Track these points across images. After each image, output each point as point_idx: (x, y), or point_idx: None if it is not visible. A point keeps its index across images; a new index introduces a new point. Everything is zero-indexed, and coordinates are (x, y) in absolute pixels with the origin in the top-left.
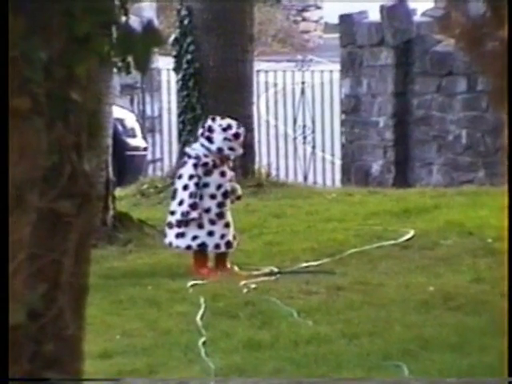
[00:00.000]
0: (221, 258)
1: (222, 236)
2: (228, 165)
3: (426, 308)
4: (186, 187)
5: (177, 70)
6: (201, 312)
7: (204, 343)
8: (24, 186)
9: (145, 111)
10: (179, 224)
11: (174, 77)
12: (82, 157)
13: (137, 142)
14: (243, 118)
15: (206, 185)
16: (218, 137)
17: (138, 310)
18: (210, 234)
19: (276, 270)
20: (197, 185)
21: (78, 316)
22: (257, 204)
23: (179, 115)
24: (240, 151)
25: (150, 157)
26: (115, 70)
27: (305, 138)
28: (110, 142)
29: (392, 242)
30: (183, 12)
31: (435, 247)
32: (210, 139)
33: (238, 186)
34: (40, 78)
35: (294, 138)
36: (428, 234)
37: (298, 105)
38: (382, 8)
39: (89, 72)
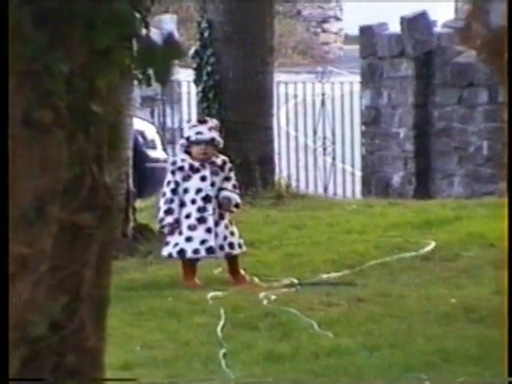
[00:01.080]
0: (230, 265)
1: (203, 241)
2: (215, 172)
3: (448, 320)
4: (163, 194)
5: (197, 81)
6: (221, 323)
7: (224, 355)
8: (45, 198)
9: (165, 123)
10: (165, 233)
11: (194, 89)
12: (102, 169)
13: (157, 153)
14: (263, 129)
15: (185, 190)
16: (186, 130)
17: (158, 322)
18: (188, 239)
19: (296, 281)
20: (173, 191)
21: (98, 327)
22: (277, 215)
23: None
24: (208, 136)
25: None
26: (136, 82)
27: (325, 149)
28: (130, 153)
29: (413, 253)
30: (204, 24)
31: (456, 259)
32: (183, 138)
33: (232, 195)
34: (61, 91)
35: (314, 150)
36: (449, 246)
37: (318, 116)
38: (403, 19)
39: (110, 84)
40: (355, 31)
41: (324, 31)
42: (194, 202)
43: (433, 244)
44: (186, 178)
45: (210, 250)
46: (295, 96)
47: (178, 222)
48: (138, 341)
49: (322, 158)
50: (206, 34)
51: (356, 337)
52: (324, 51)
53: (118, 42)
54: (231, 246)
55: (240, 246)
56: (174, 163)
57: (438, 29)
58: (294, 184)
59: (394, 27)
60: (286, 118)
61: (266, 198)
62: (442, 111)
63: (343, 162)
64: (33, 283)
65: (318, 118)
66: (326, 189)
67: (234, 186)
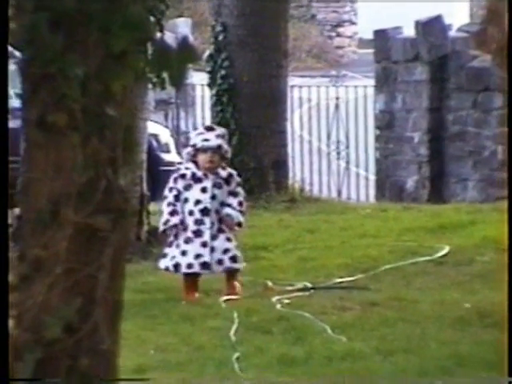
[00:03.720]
0: (229, 278)
1: (197, 256)
2: (218, 184)
3: (462, 325)
4: (165, 198)
5: (211, 85)
6: (234, 327)
7: (237, 359)
8: (60, 201)
9: (179, 126)
10: (170, 235)
11: (208, 92)
12: (117, 172)
13: (171, 157)
14: (277, 133)
15: (185, 200)
16: (192, 137)
17: (171, 325)
18: (183, 253)
19: (310, 285)
20: (176, 197)
21: (112, 330)
22: (290, 219)
23: None
24: (215, 143)
25: None
26: (150, 85)
27: (339, 153)
28: (144, 157)
29: (427, 258)
30: (218, 28)
31: (471, 263)
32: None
33: (235, 213)
34: (76, 94)
35: (328, 154)
36: (464, 250)
37: (332, 120)
38: (417, 23)
39: (124, 88)
40: (369, 35)
41: (338, 35)
42: (191, 213)
43: (447, 248)
44: (187, 187)
45: (204, 266)
46: (309, 100)
47: (183, 223)
48: (151, 344)
49: (336, 162)
50: (220, 38)
51: (370, 341)
52: (338, 55)
53: (133, 45)
54: (233, 259)
55: (240, 261)
56: (177, 170)
57: (452, 33)
58: (307, 188)
59: (409, 31)
60: (300, 122)
61: (279, 202)
62: (457, 115)
63: (357, 166)
64: (47, 285)
65: (331, 122)
66: (339, 193)
67: (240, 203)
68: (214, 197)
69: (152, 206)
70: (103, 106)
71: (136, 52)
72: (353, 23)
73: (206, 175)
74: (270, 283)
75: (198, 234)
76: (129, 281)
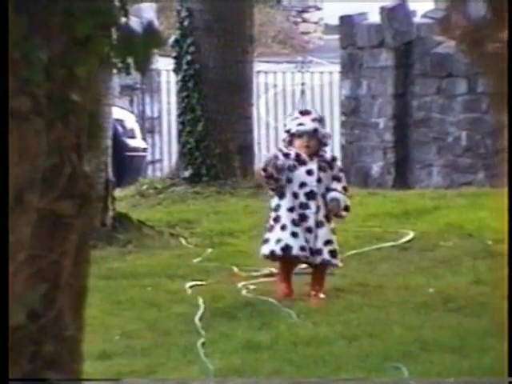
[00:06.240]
0: (317, 274)
1: (306, 240)
2: (323, 168)
3: (426, 310)
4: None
5: (177, 71)
6: (200, 313)
7: (203, 344)
8: (24, 187)
9: (144, 112)
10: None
11: (173, 78)
12: (81, 158)
13: (136, 142)
14: (243, 119)
15: (289, 180)
16: (287, 123)
17: (137, 311)
18: (294, 235)
19: (275, 271)
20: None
21: (77, 317)
22: (256, 205)
23: (179, 116)
24: (311, 126)
25: (149, 158)
26: (115, 70)
27: None
28: (109, 142)
29: (392, 243)
30: (183, 13)
31: (435, 249)
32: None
33: (342, 197)
34: (40, 79)
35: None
36: (428, 236)
37: (298, 106)
38: (382, 9)
39: (89, 73)
40: (335, 21)
41: (304, 21)
42: (296, 196)
43: (411, 234)
44: (291, 168)
45: (303, 251)
46: (275, 86)
47: (277, 157)
48: (116, 330)
49: None
50: (185, 23)
51: (335, 326)
52: (304, 41)
53: (98, 30)
54: (333, 253)
55: (338, 257)
56: (279, 150)
57: (417, 19)
58: None
59: (374, 17)
60: (266, 108)
61: (245, 188)
62: (421, 101)
63: None
64: (11, 272)
65: (297, 108)
66: None
67: (345, 189)
68: (319, 180)
69: (117, 192)
70: (67, 92)
71: (100, 37)
72: (318, 9)
73: (311, 157)
74: (235, 269)
75: (302, 219)
76: (94, 267)
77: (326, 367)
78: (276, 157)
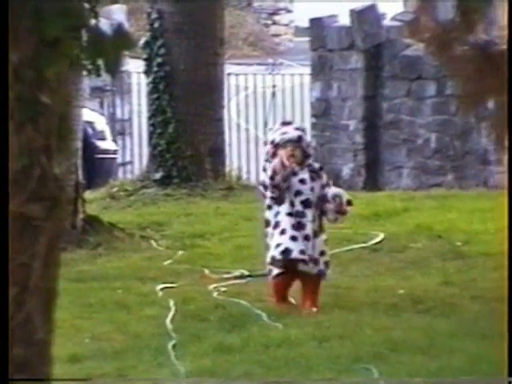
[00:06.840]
0: (309, 286)
1: (305, 246)
2: (313, 177)
3: (396, 311)
4: (264, 170)
5: (147, 72)
6: (171, 315)
7: (174, 346)
8: None
9: (115, 114)
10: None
11: (144, 80)
12: (51, 160)
13: (107, 144)
14: (214, 121)
15: (286, 188)
16: (269, 135)
17: (107, 314)
18: (293, 238)
19: (246, 273)
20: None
21: (46, 319)
22: (227, 207)
23: (149, 118)
24: (294, 134)
25: (120, 160)
26: (85, 72)
27: None
28: (79, 144)
29: (362, 245)
30: (154, 15)
31: (405, 250)
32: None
33: (342, 191)
34: (10, 81)
35: (265, 141)
36: (397, 237)
37: (269, 108)
38: (352, 12)
39: (58, 75)
40: (305, 23)
41: (274, 23)
42: (292, 204)
43: (381, 236)
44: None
45: (303, 258)
46: (246, 88)
47: (285, 166)
48: (86, 333)
49: None
50: (156, 25)
51: (305, 328)
52: (274, 43)
53: (67, 32)
54: (327, 264)
55: (326, 265)
56: (263, 167)
57: (387, 22)
58: (244, 176)
59: (344, 20)
60: (237, 110)
61: (216, 190)
62: (391, 103)
63: None
64: None
65: (268, 110)
66: None
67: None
68: (312, 189)
69: (87, 194)
70: (37, 94)
71: (70, 39)
72: (289, 11)
73: (300, 167)
74: (206, 271)
75: (299, 226)
76: (64, 269)
77: (296, 369)
78: (284, 166)
